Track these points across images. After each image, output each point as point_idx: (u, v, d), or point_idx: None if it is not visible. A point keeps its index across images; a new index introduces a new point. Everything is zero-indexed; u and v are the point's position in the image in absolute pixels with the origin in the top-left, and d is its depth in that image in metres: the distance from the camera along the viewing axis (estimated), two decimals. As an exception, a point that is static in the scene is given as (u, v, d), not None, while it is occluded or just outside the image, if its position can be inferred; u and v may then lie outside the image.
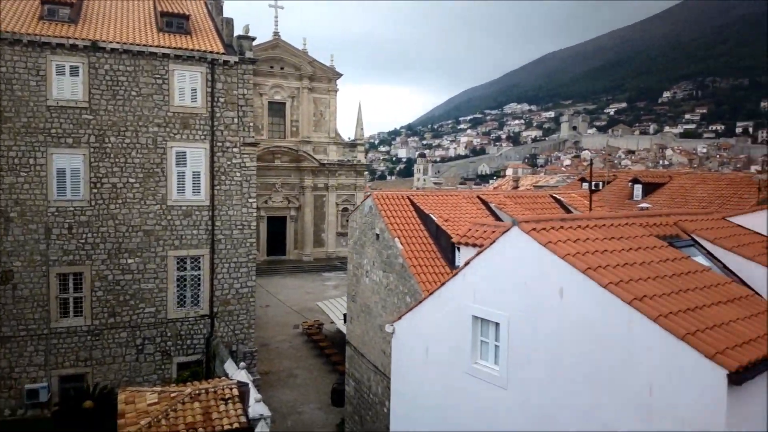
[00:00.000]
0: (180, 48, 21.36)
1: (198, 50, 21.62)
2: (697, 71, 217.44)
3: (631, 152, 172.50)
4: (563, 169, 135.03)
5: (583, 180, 35.17)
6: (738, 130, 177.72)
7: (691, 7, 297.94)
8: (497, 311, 8.46)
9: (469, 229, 10.81)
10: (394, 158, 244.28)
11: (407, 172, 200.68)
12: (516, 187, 44.76)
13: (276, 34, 55.26)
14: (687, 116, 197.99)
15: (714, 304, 7.36)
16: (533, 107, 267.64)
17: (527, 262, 8.04)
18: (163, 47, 20.98)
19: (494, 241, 8.61)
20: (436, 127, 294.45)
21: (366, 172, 63.28)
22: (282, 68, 54.88)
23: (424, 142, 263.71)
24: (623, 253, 8.18)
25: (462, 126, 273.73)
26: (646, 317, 6.57)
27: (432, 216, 18.61)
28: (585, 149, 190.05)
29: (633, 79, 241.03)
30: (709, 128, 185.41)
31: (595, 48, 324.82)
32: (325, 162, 55.72)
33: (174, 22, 22.82)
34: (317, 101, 56.90)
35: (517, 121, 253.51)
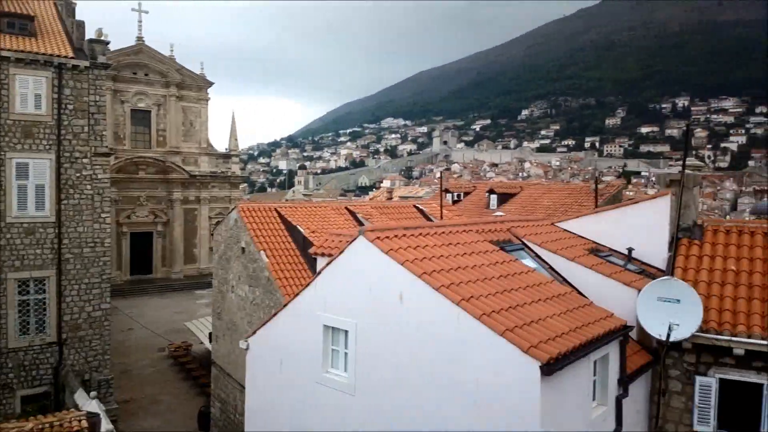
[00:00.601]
0: (22, 51, 19.46)
1: (43, 54, 19.82)
2: (550, 91, 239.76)
3: (494, 165, 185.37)
4: (435, 180, 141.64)
5: (446, 191, 37.20)
6: (587, 144, 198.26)
7: (544, 33, 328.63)
8: (346, 319, 8.71)
9: (326, 240, 11.01)
10: (274, 170, 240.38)
11: (288, 184, 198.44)
12: (390, 198, 46.30)
13: (140, 38, 52.18)
14: (543, 132, 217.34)
15: (534, 302, 8.20)
16: (408, 122, 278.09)
17: (372, 270, 8.39)
18: (2, 49, 19.01)
19: (342, 251, 8.88)
20: (316, 139, 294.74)
21: (244, 184, 61.56)
22: (147, 74, 51.87)
23: (305, 153, 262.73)
24: (457, 258, 8.83)
25: (342, 139, 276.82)
26: (472, 316, 7.15)
27: (299, 228, 18.62)
28: (455, 162, 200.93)
29: (495, 98, 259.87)
30: (562, 143, 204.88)
31: (461, 68, 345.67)
32: (196, 174, 53.38)
33: (17, 24, 20.78)
34: (187, 110, 54.45)
35: (393, 135, 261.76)
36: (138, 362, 29.24)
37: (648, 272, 10.84)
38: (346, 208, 21.91)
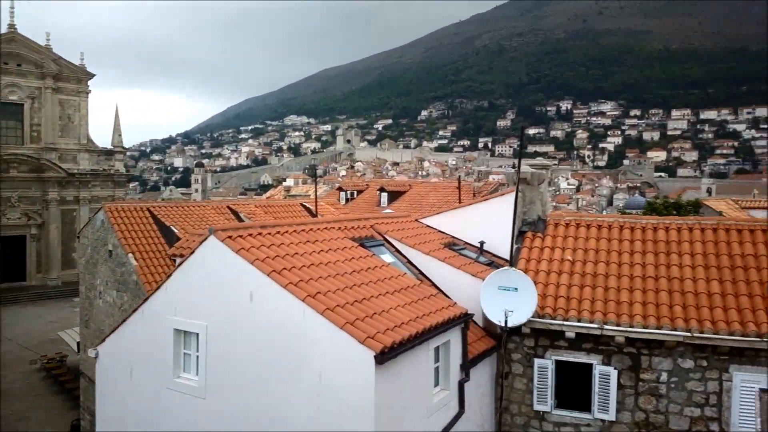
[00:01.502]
0: None
1: None
2: (447, 93, 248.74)
3: (396, 164, 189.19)
4: (339, 179, 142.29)
5: (340, 189, 37.52)
6: (480, 145, 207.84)
7: (441, 36, 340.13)
8: (197, 321, 8.57)
9: (187, 240, 10.74)
10: (169, 167, 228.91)
11: (184, 182, 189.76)
12: (288, 196, 45.78)
13: (12, 26, 47.63)
14: (441, 133, 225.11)
15: (382, 294, 8.55)
16: (312, 120, 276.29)
17: (222, 270, 8.32)
18: None
19: (194, 251, 8.72)
20: (216, 135, 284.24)
21: (134, 183, 58.01)
22: (19, 65, 47.52)
23: (203, 150, 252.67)
24: (313, 255, 9.00)
25: (243, 135, 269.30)
26: (315, 311, 7.34)
27: (174, 228, 17.96)
28: (358, 161, 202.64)
29: (396, 99, 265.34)
30: (458, 143, 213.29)
31: (364, 68, 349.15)
32: (75, 172, 49.70)
33: None
34: (64, 103, 50.50)
35: (297, 133, 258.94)
36: (5, 377, 26.98)
37: (497, 263, 11.65)
38: (229, 207, 21.44)
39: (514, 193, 11.76)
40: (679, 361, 9.16)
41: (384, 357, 6.88)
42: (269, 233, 9.16)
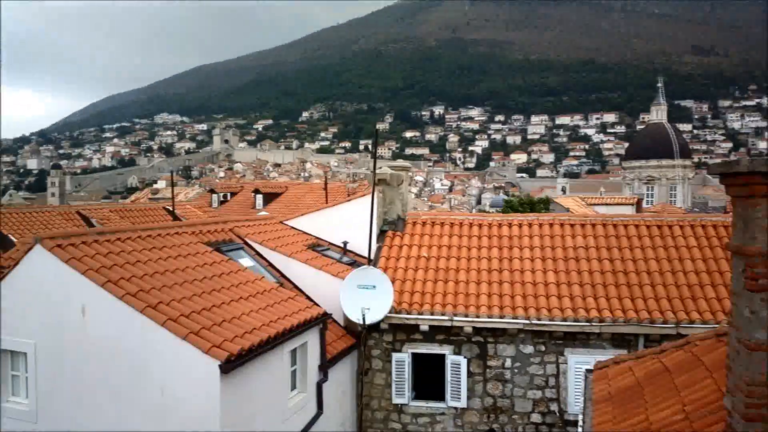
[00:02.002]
0: None
1: None
2: (328, 95, 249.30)
3: (278, 165, 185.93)
4: (217, 181, 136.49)
5: (212, 191, 36.02)
6: (361, 147, 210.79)
7: (319, 38, 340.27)
8: (24, 340, 7.70)
9: (16, 249, 9.59)
10: (21, 170, 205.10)
11: (40, 186, 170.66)
12: (151, 199, 42.86)
13: None
14: (322, 134, 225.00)
15: (235, 300, 8.27)
16: (185, 119, 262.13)
17: (51, 282, 7.56)
18: None
19: (18, 262, 7.83)
20: (75, 134, 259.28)
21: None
22: None
23: (62, 151, 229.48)
24: (158, 263, 8.47)
25: (108, 134, 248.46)
26: (155, 323, 6.91)
27: (11, 237, 16.08)
28: (237, 162, 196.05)
29: (276, 99, 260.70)
30: (340, 145, 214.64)
31: (242, 66, 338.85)
32: None
33: None
34: None
35: (169, 132, 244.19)
36: None
37: (360, 263, 11.82)
38: (78, 212, 19.65)
39: (375, 193, 12.01)
40: (520, 347, 9.92)
41: (230, 366, 6.66)
42: (107, 240, 8.47)
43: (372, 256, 11.60)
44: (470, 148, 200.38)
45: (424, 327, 10.09)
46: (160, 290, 7.66)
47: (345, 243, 12.23)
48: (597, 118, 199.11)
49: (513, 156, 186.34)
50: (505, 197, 52.30)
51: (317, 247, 12.09)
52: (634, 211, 31.44)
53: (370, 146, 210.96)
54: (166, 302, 7.38)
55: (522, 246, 11.30)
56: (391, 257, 11.48)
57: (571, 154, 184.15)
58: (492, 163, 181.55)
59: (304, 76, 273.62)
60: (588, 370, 7.71)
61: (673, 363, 6.21)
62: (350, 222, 12.50)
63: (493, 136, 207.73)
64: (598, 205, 34.05)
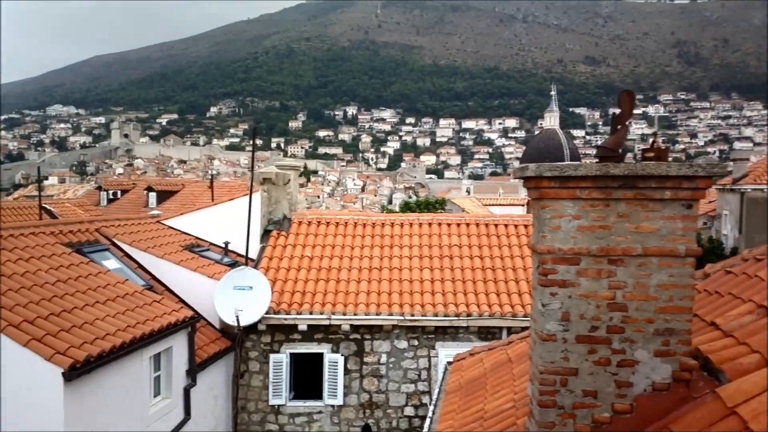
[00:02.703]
0: None
1: None
2: (238, 91, 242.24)
3: (183, 162, 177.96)
4: (116, 177, 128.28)
5: (101, 189, 33.85)
6: (273, 145, 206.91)
7: (229, 32, 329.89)
8: None
9: None
10: None
11: None
12: (26, 197, 39.38)
13: None
14: (232, 131, 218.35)
15: (90, 305, 7.82)
16: (81, 111, 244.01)
17: None
18: None
19: None
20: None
21: None
22: None
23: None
24: (7, 265, 7.83)
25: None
26: (-8, 330, 6.40)
27: None
28: (138, 158, 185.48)
29: (182, 93, 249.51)
30: (250, 142, 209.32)
31: (143, 57, 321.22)
32: None
33: None
34: None
35: (63, 125, 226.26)
36: None
37: (242, 263, 11.61)
38: (-66, 211, 17.65)
39: (259, 193, 11.85)
40: (395, 342, 10.20)
41: (74, 373, 6.31)
42: (-54, 241, 7.73)
43: (256, 257, 11.45)
44: (382, 149, 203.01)
45: (303, 327, 10.09)
46: (4, 294, 7.09)
47: (226, 243, 11.96)
48: (500, 123, 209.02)
49: (423, 157, 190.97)
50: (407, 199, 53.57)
51: (196, 247, 11.72)
52: (525, 212, 33.33)
53: (282, 144, 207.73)
54: (9, 307, 6.84)
55: (402, 245, 11.61)
56: (274, 257, 11.37)
57: (476, 156, 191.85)
58: (403, 164, 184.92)
59: (212, 70, 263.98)
60: (448, 362, 8.08)
61: (515, 354, 6.64)
62: (234, 221, 12.24)
63: (404, 138, 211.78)
64: (493, 205, 35.72)
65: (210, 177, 22.26)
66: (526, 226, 11.89)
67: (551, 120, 66.24)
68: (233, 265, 11.35)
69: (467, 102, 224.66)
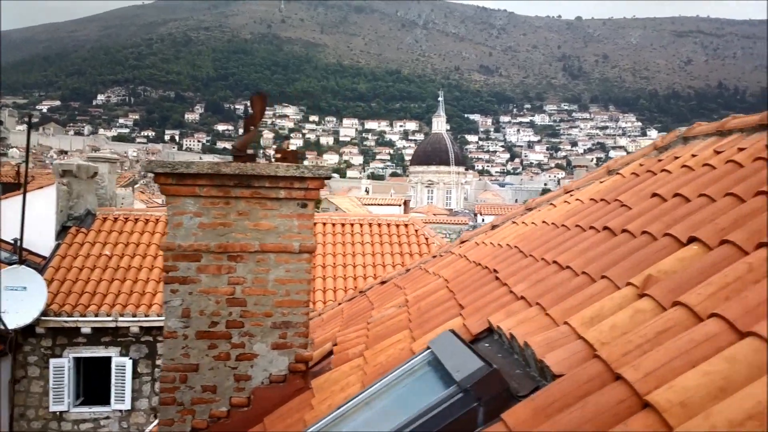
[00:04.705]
0: None
1: None
2: (129, 78, 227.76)
3: (64, 152, 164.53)
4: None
5: (-67, 180, 30.28)
6: (167, 137, 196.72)
7: (120, 16, 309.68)
8: None
9: None
10: None
11: None
12: None
13: None
14: (121, 121, 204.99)
15: None
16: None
17: None
18: None
19: None
20: None
21: None
22: None
23: None
24: None
25: None
26: None
27: None
28: (13, 147, 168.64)
29: (67, 78, 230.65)
30: (142, 134, 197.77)
31: (24, 38, 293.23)
32: None
33: None
34: None
35: None
36: None
37: (32, 262, 10.86)
38: None
39: (53, 186, 11.14)
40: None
41: None
42: None
43: (49, 254, 10.75)
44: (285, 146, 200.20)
45: (87, 329, 9.61)
46: None
47: (16, 240, 11.10)
48: (401, 126, 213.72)
49: (326, 156, 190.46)
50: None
51: (-22, 245, 10.80)
52: (402, 212, 34.24)
53: (177, 137, 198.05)
54: None
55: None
56: (68, 256, 10.73)
57: (378, 157, 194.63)
58: (306, 162, 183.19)
59: (100, 55, 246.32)
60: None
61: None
62: (29, 217, 11.39)
63: (307, 136, 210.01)
64: (371, 205, 36.35)
65: (17, 167, 20.06)
66: (342, 225, 12.15)
67: (439, 125, 68.69)
68: (21, 264, 10.57)
69: (370, 103, 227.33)
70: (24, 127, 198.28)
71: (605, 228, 2.88)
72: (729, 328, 1.48)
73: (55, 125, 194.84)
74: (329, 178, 4.11)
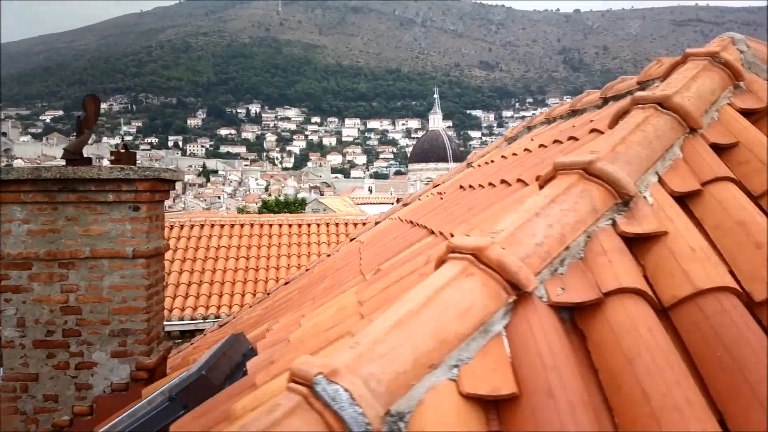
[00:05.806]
0: None
1: None
2: (130, 86, 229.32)
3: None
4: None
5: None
6: (170, 143, 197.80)
7: (119, 25, 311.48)
8: None
9: None
10: None
11: None
12: None
13: None
14: (124, 128, 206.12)
15: None
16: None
17: None
18: None
19: None
20: None
21: None
22: None
23: None
24: None
25: None
26: None
27: None
28: (18, 158, 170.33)
29: (69, 88, 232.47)
30: (145, 140, 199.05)
31: (24, 50, 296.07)
32: None
33: None
34: None
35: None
36: None
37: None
38: None
39: None
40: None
41: None
42: None
43: None
44: (288, 148, 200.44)
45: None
46: None
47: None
48: (403, 124, 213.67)
49: (329, 157, 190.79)
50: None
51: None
52: (394, 210, 34.22)
53: (180, 143, 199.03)
54: None
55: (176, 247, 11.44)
56: None
57: (381, 156, 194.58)
58: (309, 164, 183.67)
59: (101, 64, 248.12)
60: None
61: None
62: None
63: (310, 137, 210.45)
64: (365, 204, 36.35)
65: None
66: (299, 225, 12.12)
67: (435, 122, 68.57)
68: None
69: (371, 102, 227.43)
70: (28, 138, 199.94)
71: (409, 221, 2.84)
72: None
73: (59, 135, 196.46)
74: (169, 181, 4.04)
